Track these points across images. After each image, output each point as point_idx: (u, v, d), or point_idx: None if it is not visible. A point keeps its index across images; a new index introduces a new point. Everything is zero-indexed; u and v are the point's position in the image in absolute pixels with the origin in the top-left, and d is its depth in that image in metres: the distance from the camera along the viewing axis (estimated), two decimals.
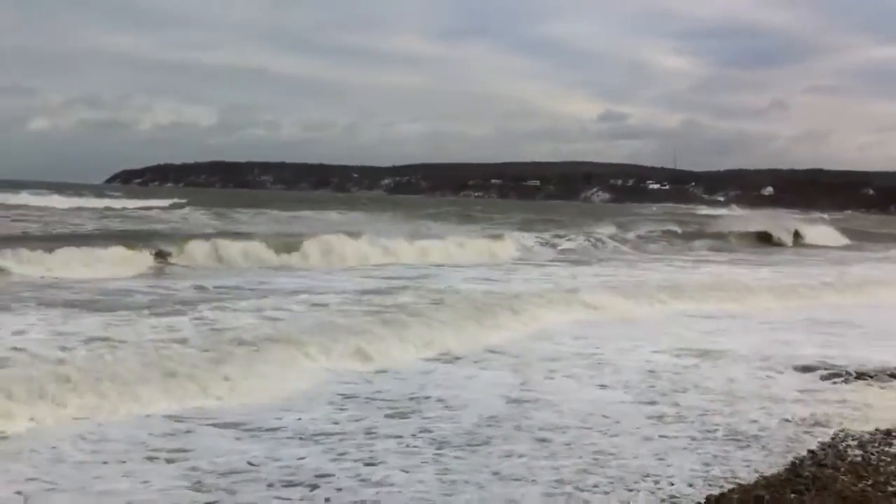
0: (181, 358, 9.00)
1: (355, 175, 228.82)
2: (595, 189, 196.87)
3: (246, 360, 9.20)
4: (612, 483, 6.44)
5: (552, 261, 26.58)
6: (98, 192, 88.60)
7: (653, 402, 8.98)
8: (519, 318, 13.38)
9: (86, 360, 8.74)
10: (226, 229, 31.71)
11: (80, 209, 48.32)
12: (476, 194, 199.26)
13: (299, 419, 7.83)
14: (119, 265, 17.92)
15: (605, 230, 38.20)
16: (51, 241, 20.47)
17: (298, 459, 6.74)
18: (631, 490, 6.31)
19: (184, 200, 63.48)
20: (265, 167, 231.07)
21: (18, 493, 5.87)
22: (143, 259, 18.88)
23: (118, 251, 18.49)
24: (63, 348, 9.37)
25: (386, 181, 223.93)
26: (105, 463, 6.49)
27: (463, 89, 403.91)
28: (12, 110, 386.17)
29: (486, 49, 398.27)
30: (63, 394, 7.62)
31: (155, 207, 51.93)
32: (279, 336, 10.37)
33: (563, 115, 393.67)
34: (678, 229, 41.21)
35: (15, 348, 9.28)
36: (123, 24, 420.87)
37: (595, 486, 6.37)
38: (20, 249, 17.24)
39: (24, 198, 55.71)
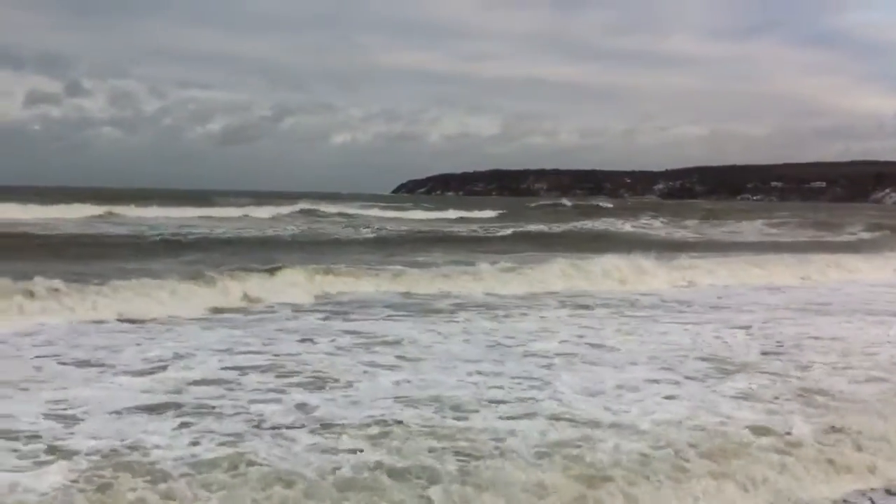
0: None
1: (628, 180, 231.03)
2: (888, 190, 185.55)
3: None
4: None
5: None
6: (404, 203, 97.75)
7: None
8: None
9: None
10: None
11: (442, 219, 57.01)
12: (755, 198, 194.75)
13: None
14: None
15: None
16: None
17: None
18: None
19: (504, 211, 69.95)
20: (540, 175, 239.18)
21: None
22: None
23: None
24: None
25: (659, 186, 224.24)
26: None
27: (745, 89, 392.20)
28: (317, 126, 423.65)
29: (769, 46, 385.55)
30: None
31: (481, 220, 58.71)
32: None
33: (855, 112, 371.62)
34: None
35: None
36: (416, 41, 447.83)
37: None
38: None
39: (416, 213, 64.42)
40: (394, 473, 5.99)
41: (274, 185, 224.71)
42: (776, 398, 8.60)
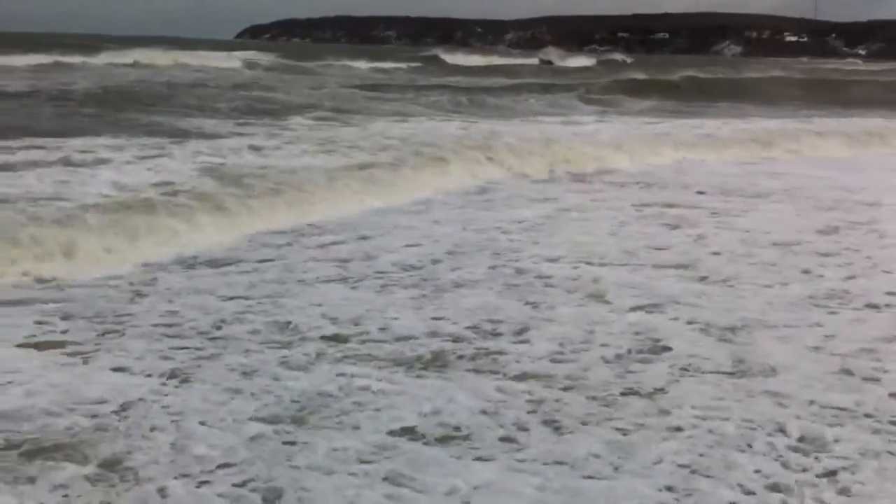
0: None
1: (479, 29, 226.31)
2: (727, 42, 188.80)
3: None
4: None
5: None
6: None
7: None
8: None
9: None
10: None
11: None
12: (602, 48, 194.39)
13: None
14: None
15: None
16: None
17: None
18: None
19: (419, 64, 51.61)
20: (390, 22, 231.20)
21: None
22: None
23: None
24: None
25: (509, 36, 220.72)
26: None
27: None
28: None
29: None
30: None
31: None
32: None
33: None
34: None
35: None
36: None
37: None
38: None
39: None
40: None
41: (100, 28, 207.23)
42: None
